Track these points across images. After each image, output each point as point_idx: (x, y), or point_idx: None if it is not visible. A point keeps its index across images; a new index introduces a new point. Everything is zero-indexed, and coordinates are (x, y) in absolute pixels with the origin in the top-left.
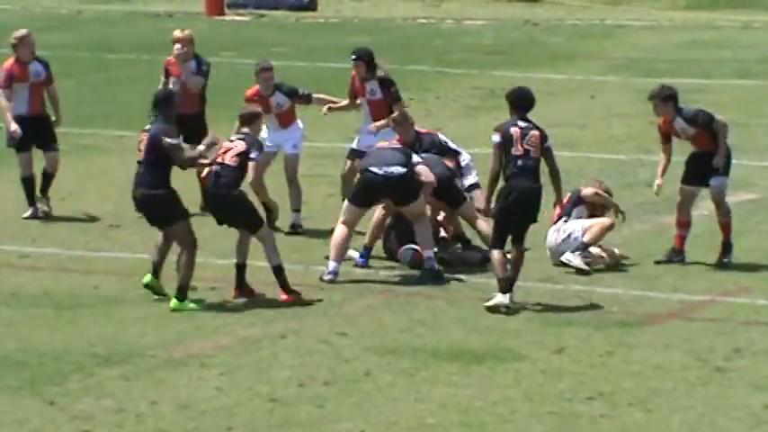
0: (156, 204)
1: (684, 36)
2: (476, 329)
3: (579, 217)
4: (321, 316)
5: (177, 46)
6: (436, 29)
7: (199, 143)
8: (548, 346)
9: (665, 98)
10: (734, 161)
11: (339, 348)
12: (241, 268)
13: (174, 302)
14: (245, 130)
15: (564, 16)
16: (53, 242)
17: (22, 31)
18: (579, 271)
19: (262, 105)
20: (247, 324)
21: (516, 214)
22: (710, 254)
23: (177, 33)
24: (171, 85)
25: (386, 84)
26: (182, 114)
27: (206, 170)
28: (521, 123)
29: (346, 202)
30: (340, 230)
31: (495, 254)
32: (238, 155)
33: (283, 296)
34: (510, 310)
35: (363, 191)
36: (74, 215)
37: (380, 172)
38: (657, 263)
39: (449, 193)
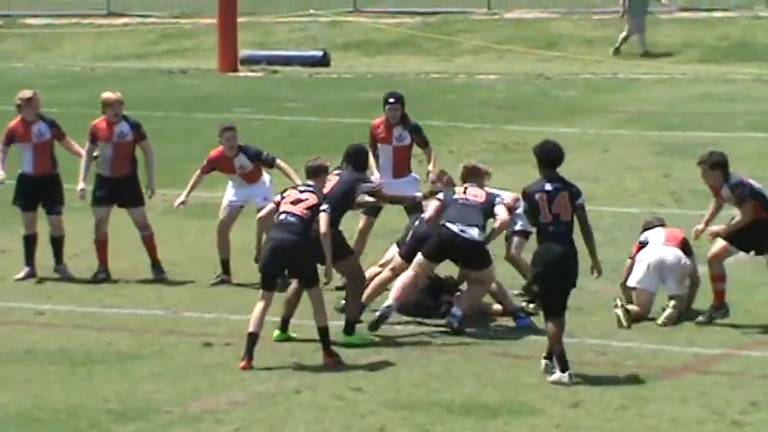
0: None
1: (697, 89)
2: (491, 384)
3: None
4: (336, 371)
5: (111, 109)
6: (449, 83)
7: (135, 205)
8: (563, 401)
9: (713, 165)
10: None
11: (354, 403)
12: (285, 322)
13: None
14: (311, 182)
15: (577, 70)
16: (67, 299)
17: (27, 93)
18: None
19: (225, 166)
20: (262, 379)
21: (552, 281)
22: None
23: (111, 95)
24: (99, 150)
25: (417, 129)
26: (115, 177)
27: (263, 212)
28: (547, 187)
29: (421, 256)
30: (409, 277)
31: (549, 326)
32: (310, 208)
33: (327, 359)
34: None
35: (439, 248)
36: (87, 272)
37: (458, 232)
38: (699, 324)
39: None
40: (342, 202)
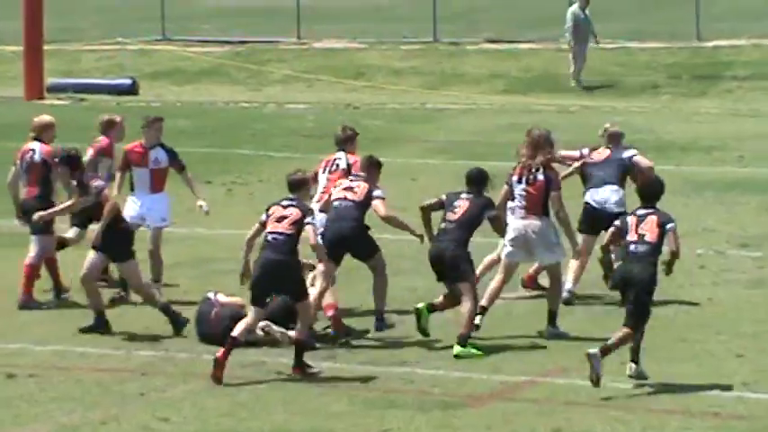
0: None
1: (503, 119)
2: (300, 412)
3: None
4: (142, 401)
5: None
6: (258, 113)
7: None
8: (371, 429)
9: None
10: None
11: None
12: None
13: (457, 349)
14: (294, 195)
15: (385, 100)
16: None
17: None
18: None
19: (136, 159)
20: (67, 411)
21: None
22: (530, 334)
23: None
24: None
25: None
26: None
27: (251, 233)
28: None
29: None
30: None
31: None
32: (294, 223)
33: (296, 370)
34: None
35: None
36: None
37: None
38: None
39: None
40: (476, 224)
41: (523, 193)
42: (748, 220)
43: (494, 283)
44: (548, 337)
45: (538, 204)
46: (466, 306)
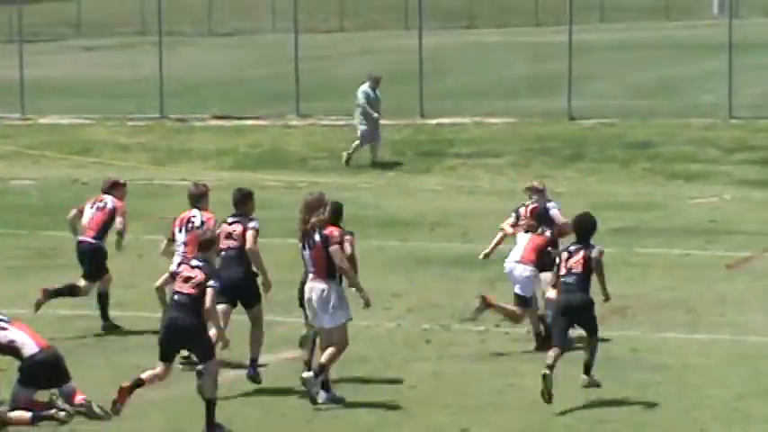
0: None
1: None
2: None
3: None
4: None
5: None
6: None
7: None
8: None
9: None
10: (283, 318)
11: None
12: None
13: None
14: (203, 256)
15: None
16: None
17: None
18: None
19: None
20: None
21: None
22: None
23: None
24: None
25: None
26: None
27: (160, 281)
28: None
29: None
30: None
31: None
32: (198, 285)
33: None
34: None
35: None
36: None
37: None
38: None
39: None
40: None
41: (309, 258)
42: (472, 295)
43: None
44: None
45: (321, 267)
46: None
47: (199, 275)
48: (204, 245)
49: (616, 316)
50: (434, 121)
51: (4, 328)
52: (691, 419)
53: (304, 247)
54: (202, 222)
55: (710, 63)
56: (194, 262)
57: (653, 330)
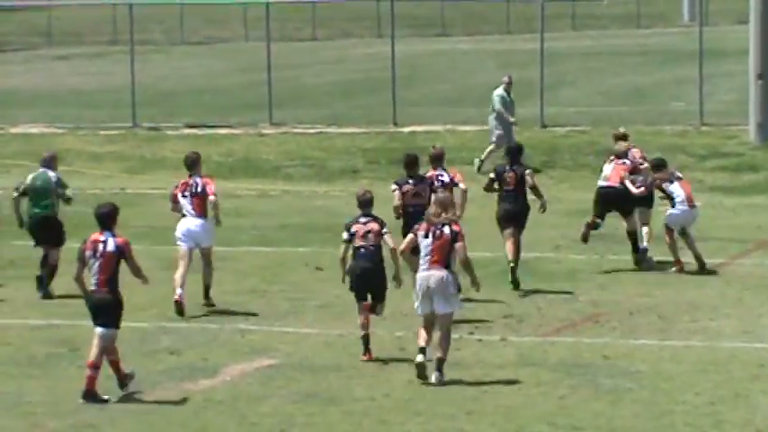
0: None
1: None
2: None
3: None
4: None
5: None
6: None
7: None
8: None
9: None
10: (255, 327)
11: None
12: None
13: None
14: (365, 212)
15: (86, 185)
16: None
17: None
18: None
19: None
20: None
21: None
22: None
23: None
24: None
25: None
26: None
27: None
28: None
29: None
30: None
31: None
32: (378, 234)
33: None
34: None
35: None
36: None
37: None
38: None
39: None
40: None
41: (430, 247)
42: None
43: None
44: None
45: (442, 257)
46: None
47: (375, 226)
48: (365, 203)
49: (589, 322)
50: (408, 129)
51: None
52: (663, 425)
53: (426, 236)
54: (202, 186)
55: (682, 70)
56: (363, 219)
57: (625, 337)
